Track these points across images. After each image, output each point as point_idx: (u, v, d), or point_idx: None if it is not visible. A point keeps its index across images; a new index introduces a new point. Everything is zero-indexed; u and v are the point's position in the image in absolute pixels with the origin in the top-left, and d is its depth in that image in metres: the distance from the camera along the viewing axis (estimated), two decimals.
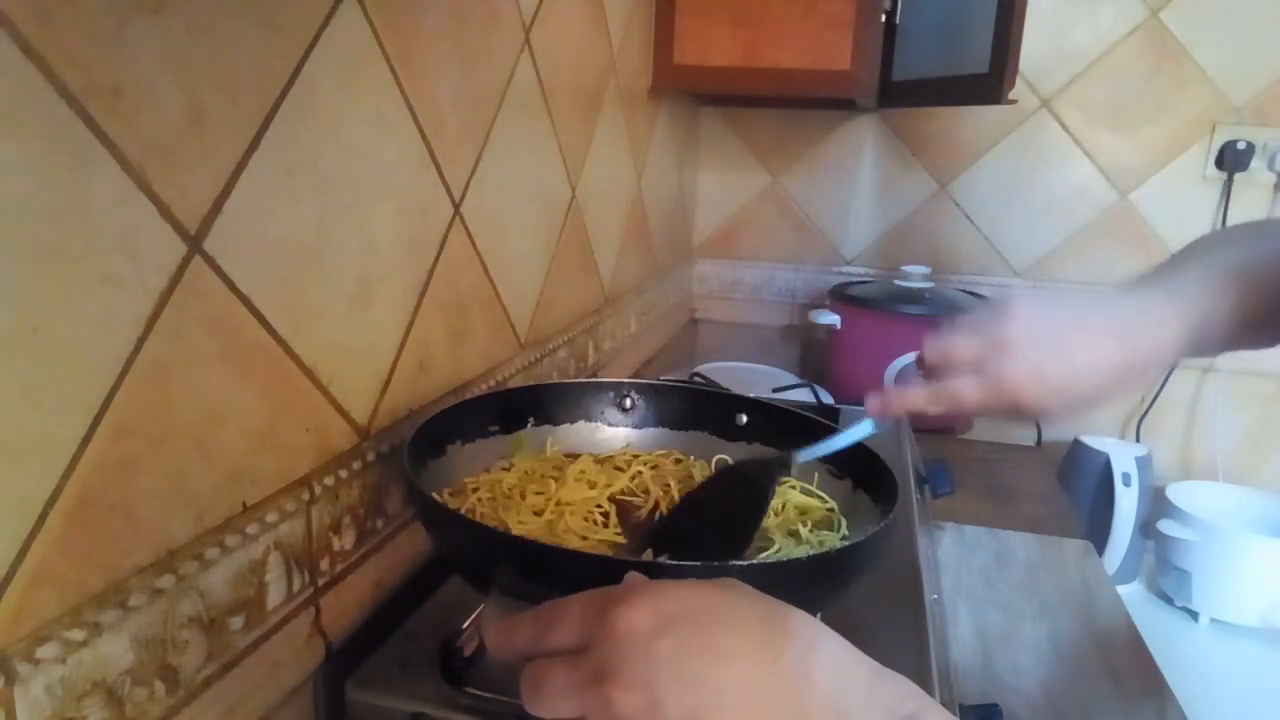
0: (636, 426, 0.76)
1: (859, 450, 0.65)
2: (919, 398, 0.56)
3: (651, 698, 0.32)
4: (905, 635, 0.61)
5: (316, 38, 0.51)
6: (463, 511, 0.58)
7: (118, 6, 0.38)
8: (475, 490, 0.63)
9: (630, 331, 1.29)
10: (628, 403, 0.76)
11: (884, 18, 1.19)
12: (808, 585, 0.50)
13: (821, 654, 0.35)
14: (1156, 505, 1.30)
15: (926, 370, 0.57)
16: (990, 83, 1.12)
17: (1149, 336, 0.52)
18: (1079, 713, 0.73)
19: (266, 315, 0.49)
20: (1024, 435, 1.53)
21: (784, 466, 0.61)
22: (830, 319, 1.40)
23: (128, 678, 0.41)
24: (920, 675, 0.56)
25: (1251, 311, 0.54)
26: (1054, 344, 0.52)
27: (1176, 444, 1.54)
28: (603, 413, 0.75)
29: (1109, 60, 1.44)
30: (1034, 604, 0.90)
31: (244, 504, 0.49)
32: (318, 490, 0.56)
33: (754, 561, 0.56)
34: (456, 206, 0.72)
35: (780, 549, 0.59)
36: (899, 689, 0.36)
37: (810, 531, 0.62)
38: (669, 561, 0.55)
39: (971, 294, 1.44)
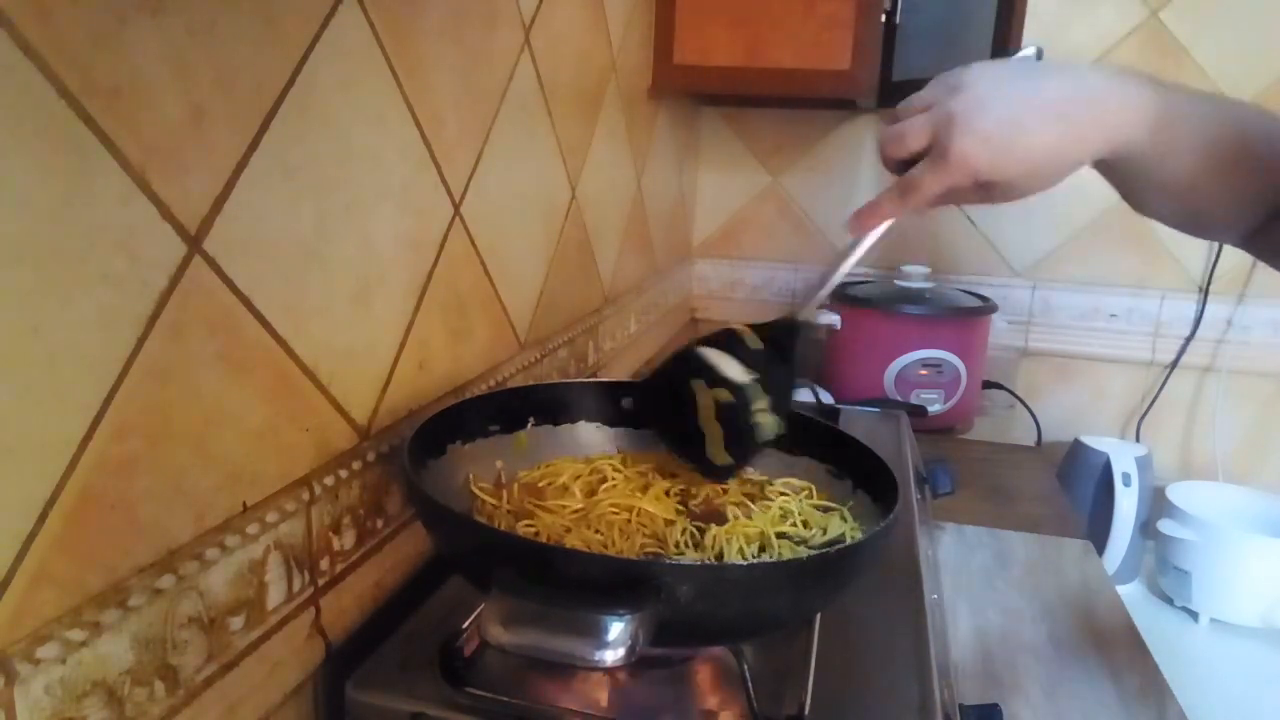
0: (636, 426, 0.76)
1: (859, 450, 0.65)
2: (887, 201, 0.56)
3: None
4: (905, 635, 0.61)
5: (316, 38, 0.51)
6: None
7: (118, 6, 0.38)
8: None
9: (630, 331, 1.29)
10: (628, 402, 0.76)
11: (884, 18, 1.19)
12: (808, 585, 0.50)
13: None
14: (1156, 505, 1.30)
15: (890, 166, 0.57)
16: None
17: (1098, 122, 0.52)
18: (1079, 713, 0.73)
19: (266, 315, 0.49)
20: (1024, 435, 1.53)
21: (790, 329, 0.61)
22: (830, 319, 1.40)
23: (128, 678, 0.41)
24: (920, 675, 0.56)
25: (1217, 160, 0.53)
26: (1004, 116, 0.51)
27: (1176, 444, 1.54)
28: (603, 413, 0.75)
29: (1109, 60, 1.44)
30: (1034, 604, 0.90)
31: (244, 504, 0.49)
32: (318, 490, 0.56)
33: (754, 561, 0.56)
34: (456, 206, 0.72)
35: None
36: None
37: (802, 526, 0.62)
38: (673, 562, 0.55)
39: (972, 294, 1.44)
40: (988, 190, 0.53)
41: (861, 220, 0.57)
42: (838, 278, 0.60)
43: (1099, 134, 0.51)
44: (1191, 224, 0.59)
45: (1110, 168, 0.55)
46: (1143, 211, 0.59)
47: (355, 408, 0.60)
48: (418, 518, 0.64)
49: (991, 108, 0.51)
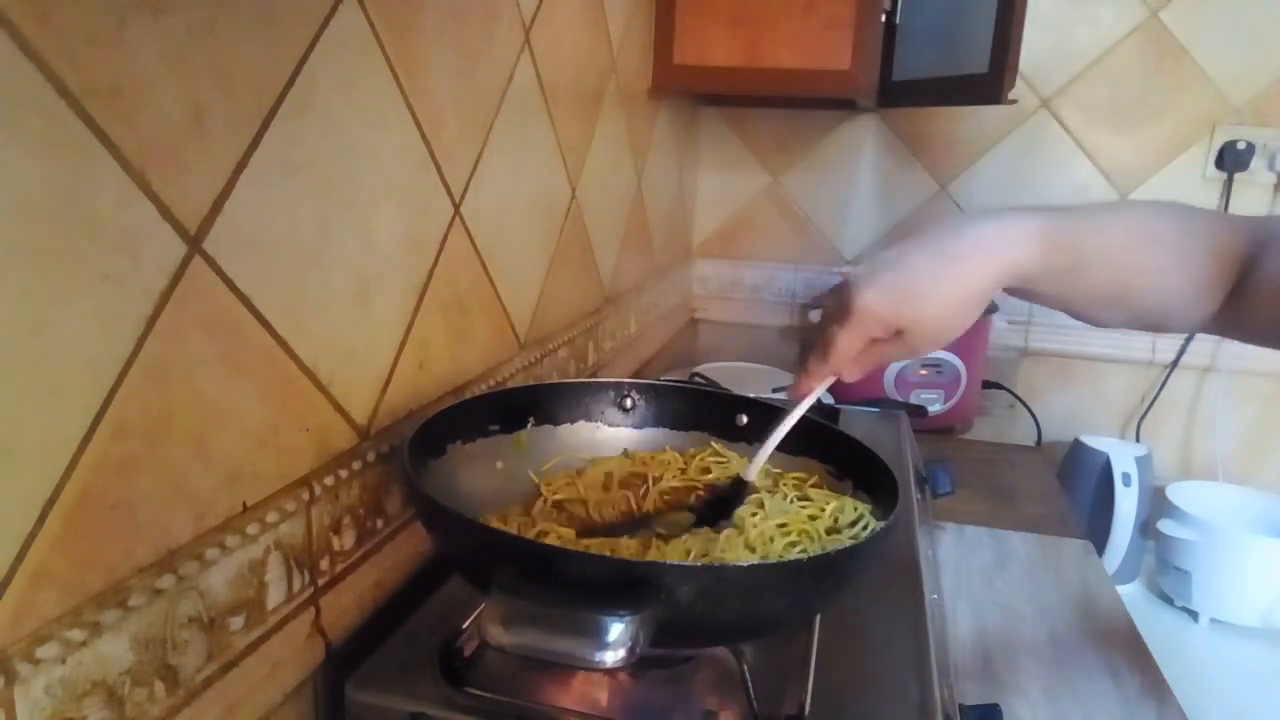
0: (636, 426, 0.76)
1: (859, 451, 0.65)
2: (814, 364, 0.59)
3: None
4: (905, 635, 0.61)
5: (316, 38, 0.51)
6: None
7: (118, 6, 0.38)
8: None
9: (630, 331, 1.29)
10: (628, 403, 0.76)
11: (884, 18, 1.19)
12: (807, 586, 0.50)
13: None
14: (1156, 505, 1.30)
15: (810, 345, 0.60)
16: (990, 83, 1.12)
17: (985, 255, 0.55)
18: (1079, 713, 0.73)
19: (266, 315, 0.49)
20: (1024, 435, 1.53)
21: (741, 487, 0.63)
22: None
23: (128, 678, 0.41)
24: (920, 675, 0.56)
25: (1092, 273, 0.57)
26: (898, 268, 0.56)
27: (1176, 444, 1.54)
28: (603, 413, 0.75)
29: (1109, 60, 1.44)
30: (1034, 604, 0.90)
31: (244, 504, 0.49)
32: (318, 490, 0.56)
33: (754, 562, 0.56)
34: (456, 206, 0.72)
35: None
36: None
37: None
38: (673, 563, 0.55)
39: None
40: (905, 340, 0.56)
41: (798, 388, 0.61)
42: (777, 439, 0.63)
43: (990, 265, 0.55)
44: (1146, 325, 0.62)
45: (1028, 294, 0.58)
46: (1097, 324, 0.62)
47: (355, 408, 0.60)
48: (418, 518, 0.64)
49: (886, 267, 0.56)
